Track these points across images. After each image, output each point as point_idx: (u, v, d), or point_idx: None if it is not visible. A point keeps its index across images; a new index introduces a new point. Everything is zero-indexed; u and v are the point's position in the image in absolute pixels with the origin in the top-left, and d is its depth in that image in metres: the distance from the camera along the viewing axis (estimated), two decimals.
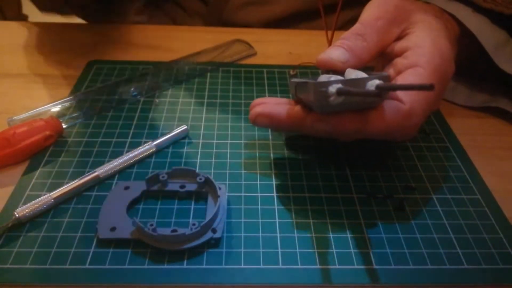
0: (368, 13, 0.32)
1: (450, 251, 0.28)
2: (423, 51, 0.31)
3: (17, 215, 0.28)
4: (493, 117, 0.40)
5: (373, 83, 0.26)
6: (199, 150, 0.35)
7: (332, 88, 0.26)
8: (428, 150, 0.36)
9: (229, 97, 0.41)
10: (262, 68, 0.46)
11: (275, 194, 0.32)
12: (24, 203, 0.29)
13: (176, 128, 0.36)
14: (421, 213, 0.31)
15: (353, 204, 0.31)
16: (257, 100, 0.32)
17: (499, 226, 0.30)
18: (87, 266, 0.26)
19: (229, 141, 0.36)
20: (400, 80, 0.30)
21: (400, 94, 0.29)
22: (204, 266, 0.27)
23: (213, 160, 0.34)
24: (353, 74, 0.28)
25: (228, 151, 0.35)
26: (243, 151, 0.35)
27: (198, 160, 0.34)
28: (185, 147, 0.35)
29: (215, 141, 0.36)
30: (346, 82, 0.26)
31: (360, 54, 0.30)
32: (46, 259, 0.27)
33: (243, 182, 0.32)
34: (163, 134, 0.35)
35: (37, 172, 0.32)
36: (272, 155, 0.35)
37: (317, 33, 0.55)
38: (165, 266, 0.26)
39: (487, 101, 0.41)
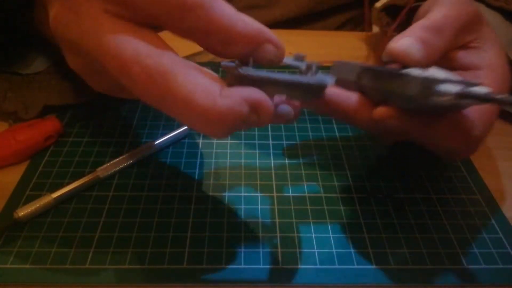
0: (449, 9, 0.29)
1: (450, 251, 0.28)
2: (495, 77, 0.29)
3: (17, 215, 0.28)
4: None
5: (481, 91, 0.23)
6: (199, 150, 0.35)
7: (448, 88, 0.23)
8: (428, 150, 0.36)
9: None
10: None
11: (275, 194, 0.32)
12: (24, 203, 0.29)
13: (176, 128, 0.36)
14: (421, 213, 0.31)
15: (353, 204, 0.31)
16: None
17: (499, 226, 0.30)
18: (87, 266, 0.26)
19: (229, 141, 0.36)
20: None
21: (474, 117, 0.27)
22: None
23: (213, 160, 0.34)
24: (442, 74, 0.25)
25: (228, 151, 0.35)
26: (243, 151, 0.35)
27: (198, 160, 0.34)
28: (185, 147, 0.35)
29: (215, 141, 0.36)
30: (463, 84, 0.24)
31: (433, 54, 0.27)
32: (46, 259, 0.27)
33: (243, 182, 0.32)
34: (163, 134, 0.35)
35: (37, 172, 0.32)
36: (272, 155, 0.35)
37: (318, 33, 0.55)
38: (165, 266, 0.26)
39: None
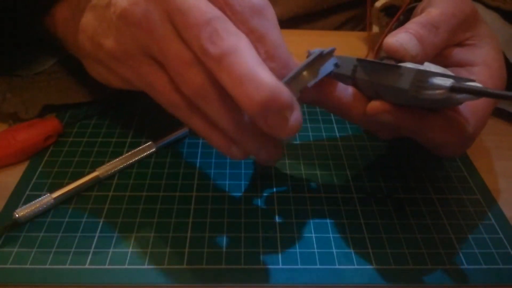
0: (445, 6, 0.29)
1: (450, 251, 0.28)
2: (491, 73, 0.29)
3: (17, 215, 0.28)
4: (493, 117, 0.40)
5: (473, 85, 0.24)
6: (199, 150, 0.35)
7: (441, 81, 0.23)
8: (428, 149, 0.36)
9: None
10: None
11: (275, 194, 0.32)
12: (24, 203, 0.29)
13: (176, 128, 0.36)
14: (421, 213, 0.31)
15: (353, 204, 0.31)
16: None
17: (499, 226, 0.30)
18: (87, 266, 0.26)
19: None
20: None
21: (467, 113, 0.28)
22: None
23: (213, 160, 0.34)
24: (437, 69, 0.25)
25: None
26: None
27: (198, 160, 0.34)
28: (185, 147, 0.35)
29: None
30: (456, 79, 0.24)
31: (428, 50, 0.27)
32: (46, 259, 0.27)
33: (242, 182, 0.32)
34: (163, 134, 0.35)
35: (37, 172, 0.32)
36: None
37: (318, 33, 0.55)
38: (165, 267, 0.26)
39: None
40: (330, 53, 0.27)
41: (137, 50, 0.26)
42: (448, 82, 0.23)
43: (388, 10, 0.44)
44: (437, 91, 0.23)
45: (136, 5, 0.25)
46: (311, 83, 0.26)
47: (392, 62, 0.26)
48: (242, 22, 0.24)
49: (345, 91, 0.28)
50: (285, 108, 0.22)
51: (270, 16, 0.25)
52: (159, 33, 0.25)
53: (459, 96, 0.24)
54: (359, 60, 0.27)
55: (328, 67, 0.27)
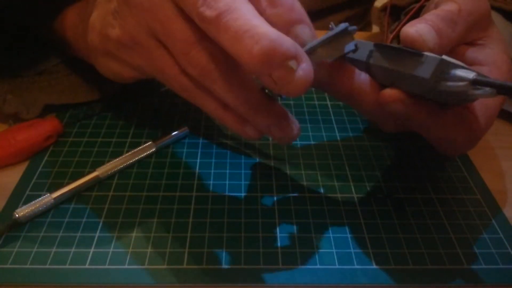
0: (464, 2, 0.28)
1: (450, 251, 0.28)
2: (501, 74, 0.29)
3: (17, 215, 0.28)
4: None
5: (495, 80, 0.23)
6: (199, 150, 0.35)
7: (464, 73, 0.23)
8: (428, 149, 0.36)
9: None
10: None
11: (275, 194, 0.32)
12: (24, 203, 0.29)
13: (176, 128, 0.36)
14: (421, 213, 0.31)
15: (353, 204, 0.31)
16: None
17: (499, 226, 0.30)
18: (87, 266, 0.26)
19: (229, 141, 0.36)
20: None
21: (478, 111, 0.28)
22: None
23: (213, 160, 0.34)
24: (458, 62, 0.25)
25: (228, 151, 0.35)
26: (243, 151, 0.35)
27: (198, 160, 0.34)
28: (185, 147, 0.35)
29: (215, 141, 0.36)
30: (478, 74, 0.23)
31: (445, 44, 0.26)
32: (46, 259, 0.27)
33: (242, 182, 0.32)
34: (163, 134, 0.35)
35: (37, 172, 0.32)
36: (272, 155, 0.35)
37: (318, 33, 0.55)
38: (165, 266, 0.26)
39: None
40: (353, 31, 0.25)
41: (143, 34, 0.26)
42: (471, 74, 0.23)
43: (390, 10, 0.44)
44: (459, 83, 0.23)
45: None
46: (331, 59, 0.25)
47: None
48: None
49: (358, 76, 0.27)
50: (288, 58, 0.21)
51: None
52: (161, 13, 0.25)
53: (477, 91, 0.23)
54: (377, 45, 0.26)
55: (348, 46, 0.25)
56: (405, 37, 0.25)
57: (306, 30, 0.24)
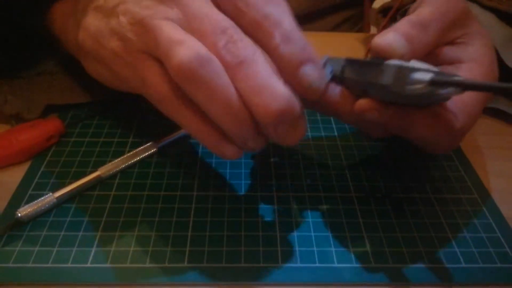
0: (436, 5, 0.29)
1: (448, 250, 0.29)
2: (480, 69, 0.29)
3: (19, 215, 0.28)
4: (490, 117, 0.41)
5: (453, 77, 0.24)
6: (200, 150, 0.36)
7: (421, 76, 0.23)
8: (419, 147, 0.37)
9: None
10: None
11: (275, 194, 0.32)
12: (26, 203, 0.30)
13: (177, 129, 0.36)
14: (419, 212, 0.31)
15: (352, 203, 0.31)
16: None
17: (496, 225, 0.30)
18: (88, 264, 0.27)
19: None
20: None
21: (455, 109, 0.28)
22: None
23: (214, 160, 0.35)
24: (422, 65, 0.25)
25: None
26: None
27: (199, 160, 0.34)
28: (186, 147, 0.36)
29: None
30: (437, 73, 0.24)
31: (417, 49, 0.27)
32: (48, 258, 0.27)
33: (242, 182, 0.33)
34: (164, 135, 0.36)
35: (39, 172, 0.33)
36: (272, 154, 0.35)
37: (316, 34, 0.55)
38: (166, 265, 0.27)
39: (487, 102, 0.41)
40: (327, 61, 0.28)
41: (142, 51, 0.27)
42: (427, 76, 0.23)
43: (386, 12, 0.44)
44: (418, 86, 0.23)
45: (148, 10, 0.26)
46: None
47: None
48: (256, 9, 0.24)
49: (333, 90, 0.28)
50: (297, 118, 0.24)
51: (282, 3, 0.25)
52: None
53: (444, 91, 0.24)
54: (347, 60, 0.28)
55: (327, 69, 0.28)
56: (375, 47, 0.26)
57: (314, 71, 0.25)
